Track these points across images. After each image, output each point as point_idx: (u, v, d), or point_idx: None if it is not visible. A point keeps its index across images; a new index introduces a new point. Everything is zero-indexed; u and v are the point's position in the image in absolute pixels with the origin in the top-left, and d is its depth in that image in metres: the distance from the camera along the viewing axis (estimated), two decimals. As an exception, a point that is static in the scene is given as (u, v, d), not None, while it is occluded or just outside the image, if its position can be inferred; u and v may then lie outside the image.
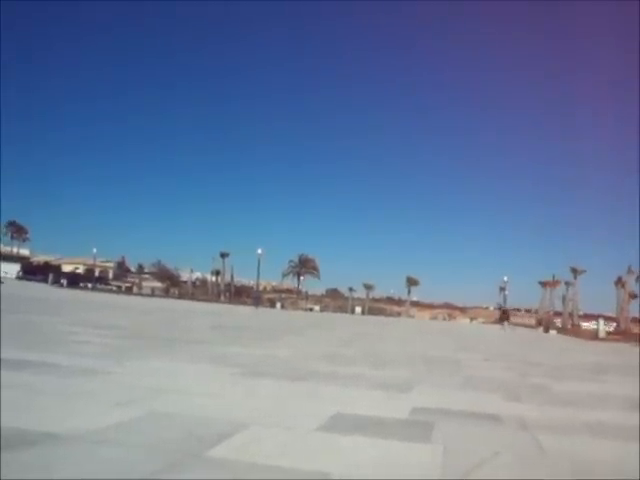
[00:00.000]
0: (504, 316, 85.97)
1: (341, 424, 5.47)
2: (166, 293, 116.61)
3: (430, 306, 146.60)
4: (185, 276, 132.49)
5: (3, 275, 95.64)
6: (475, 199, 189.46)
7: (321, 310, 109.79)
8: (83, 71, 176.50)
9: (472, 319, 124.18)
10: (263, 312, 63.26)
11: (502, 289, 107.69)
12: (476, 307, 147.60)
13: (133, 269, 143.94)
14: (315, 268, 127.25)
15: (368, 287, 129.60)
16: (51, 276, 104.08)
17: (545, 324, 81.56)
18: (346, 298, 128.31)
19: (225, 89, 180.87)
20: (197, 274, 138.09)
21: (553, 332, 68.84)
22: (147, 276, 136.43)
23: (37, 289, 67.83)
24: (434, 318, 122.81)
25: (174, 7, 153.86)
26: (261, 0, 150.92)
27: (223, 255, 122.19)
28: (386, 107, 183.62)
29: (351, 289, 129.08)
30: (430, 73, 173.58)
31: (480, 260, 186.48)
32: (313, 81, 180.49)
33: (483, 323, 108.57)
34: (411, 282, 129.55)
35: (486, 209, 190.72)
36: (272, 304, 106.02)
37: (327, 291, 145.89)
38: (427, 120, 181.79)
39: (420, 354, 16.87)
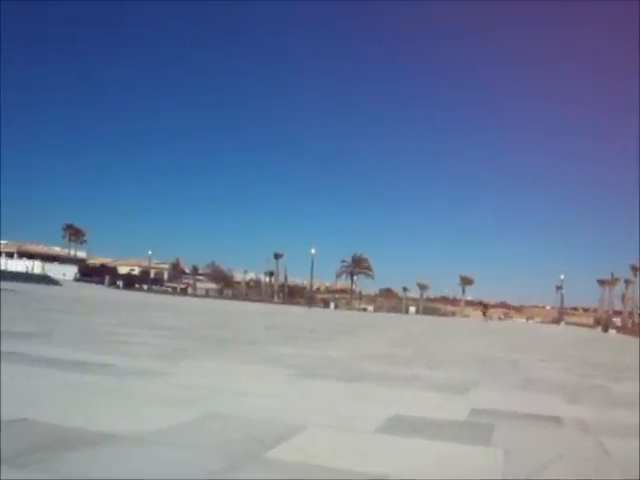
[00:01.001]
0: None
1: (399, 426, 5.40)
2: (220, 294, 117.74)
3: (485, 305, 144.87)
4: (239, 277, 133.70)
5: (61, 277, 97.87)
6: (531, 197, 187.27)
7: (375, 310, 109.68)
8: (137, 70, 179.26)
9: (528, 318, 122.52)
10: (316, 312, 63.39)
11: (559, 288, 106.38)
12: (533, 306, 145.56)
13: (188, 270, 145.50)
14: (369, 268, 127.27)
15: (422, 287, 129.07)
16: (107, 278, 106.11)
17: (604, 323, 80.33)
18: (400, 298, 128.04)
19: (277, 89, 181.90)
20: (251, 275, 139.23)
21: (612, 331, 67.65)
22: (201, 277, 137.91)
23: (94, 290, 69.04)
24: (489, 317, 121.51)
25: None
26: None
27: (277, 256, 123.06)
28: (438, 105, 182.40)
29: (405, 289, 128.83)
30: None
31: (536, 258, 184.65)
32: (357, 78, 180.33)
33: (540, 323, 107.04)
34: (466, 281, 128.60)
35: (543, 206, 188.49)
36: (326, 304, 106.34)
37: (381, 291, 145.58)
38: (478, 119, 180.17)
39: (476, 354, 16.70)
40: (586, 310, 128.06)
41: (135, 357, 9.18)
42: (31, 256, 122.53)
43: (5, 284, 51.91)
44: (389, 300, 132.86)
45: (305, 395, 7.00)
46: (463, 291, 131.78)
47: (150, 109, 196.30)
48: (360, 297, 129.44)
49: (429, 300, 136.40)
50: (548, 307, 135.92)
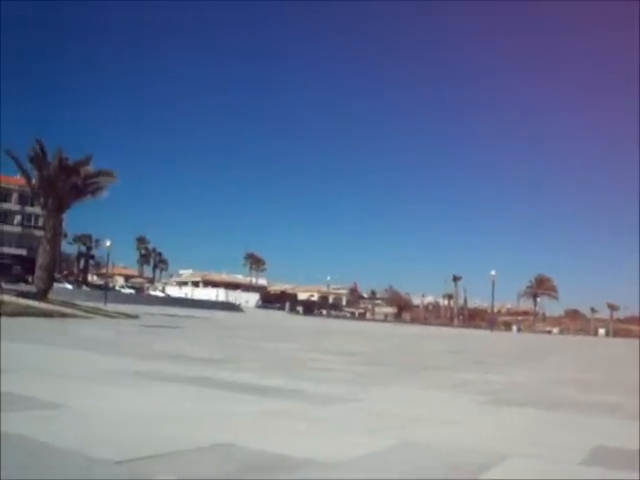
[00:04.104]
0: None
1: (607, 458, 5.03)
2: (398, 318, 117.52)
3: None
4: (417, 300, 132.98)
5: (244, 304, 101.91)
6: None
7: (560, 333, 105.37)
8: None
9: None
10: (498, 335, 61.88)
11: None
12: None
13: (365, 295, 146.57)
14: (553, 289, 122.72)
15: (612, 307, 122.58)
16: (288, 304, 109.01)
17: None
18: (587, 319, 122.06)
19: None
20: (429, 298, 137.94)
21: None
22: (379, 302, 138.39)
23: (275, 317, 71.06)
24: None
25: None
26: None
27: (456, 278, 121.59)
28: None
29: (593, 309, 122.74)
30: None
31: None
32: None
33: None
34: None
35: None
36: (507, 327, 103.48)
37: (566, 312, 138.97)
38: None
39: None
40: None
41: (324, 383, 9.26)
42: (215, 284, 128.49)
43: (194, 311, 54.67)
44: (575, 322, 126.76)
45: (499, 423, 6.76)
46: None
47: (329, 140, 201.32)
48: (544, 319, 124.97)
49: (620, 321, 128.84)
50: None
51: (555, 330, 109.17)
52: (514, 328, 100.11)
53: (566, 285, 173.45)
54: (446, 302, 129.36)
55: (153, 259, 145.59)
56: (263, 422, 5.78)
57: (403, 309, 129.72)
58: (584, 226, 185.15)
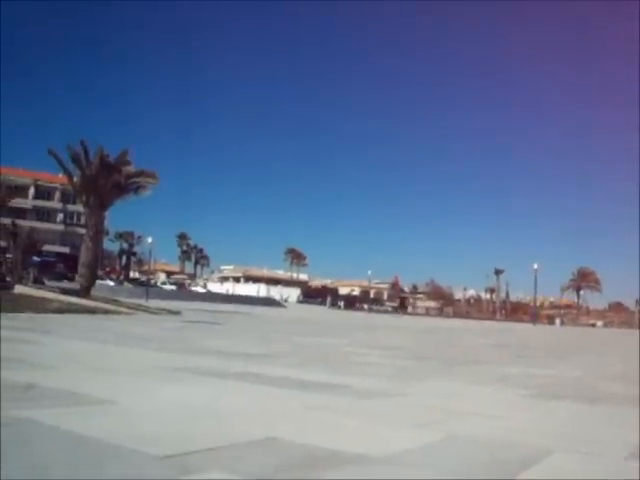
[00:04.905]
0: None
1: (654, 453, 4.95)
2: (440, 312, 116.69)
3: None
4: (459, 294, 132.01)
5: (285, 299, 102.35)
6: None
7: (605, 325, 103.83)
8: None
9: None
10: (541, 329, 61.25)
11: None
12: None
13: (407, 289, 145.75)
14: (596, 281, 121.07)
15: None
16: (329, 299, 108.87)
17: None
18: (632, 312, 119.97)
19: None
20: (471, 292, 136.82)
21: None
22: (421, 296, 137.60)
23: (317, 311, 71.10)
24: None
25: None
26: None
27: (497, 272, 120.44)
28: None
29: (638, 302, 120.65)
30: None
31: None
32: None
33: None
34: None
35: None
36: (550, 320, 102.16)
37: (610, 305, 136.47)
38: None
39: None
40: None
41: (369, 377, 9.28)
42: (256, 280, 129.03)
43: (235, 307, 54.98)
44: (619, 315, 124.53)
45: (543, 417, 6.71)
46: None
47: (368, 134, 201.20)
48: (588, 312, 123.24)
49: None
50: None
51: (599, 323, 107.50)
52: (557, 321, 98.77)
53: (609, 278, 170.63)
54: (488, 296, 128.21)
55: (194, 255, 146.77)
56: (308, 417, 5.82)
57: (445, 303, 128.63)
58: (626, 217, 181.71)
